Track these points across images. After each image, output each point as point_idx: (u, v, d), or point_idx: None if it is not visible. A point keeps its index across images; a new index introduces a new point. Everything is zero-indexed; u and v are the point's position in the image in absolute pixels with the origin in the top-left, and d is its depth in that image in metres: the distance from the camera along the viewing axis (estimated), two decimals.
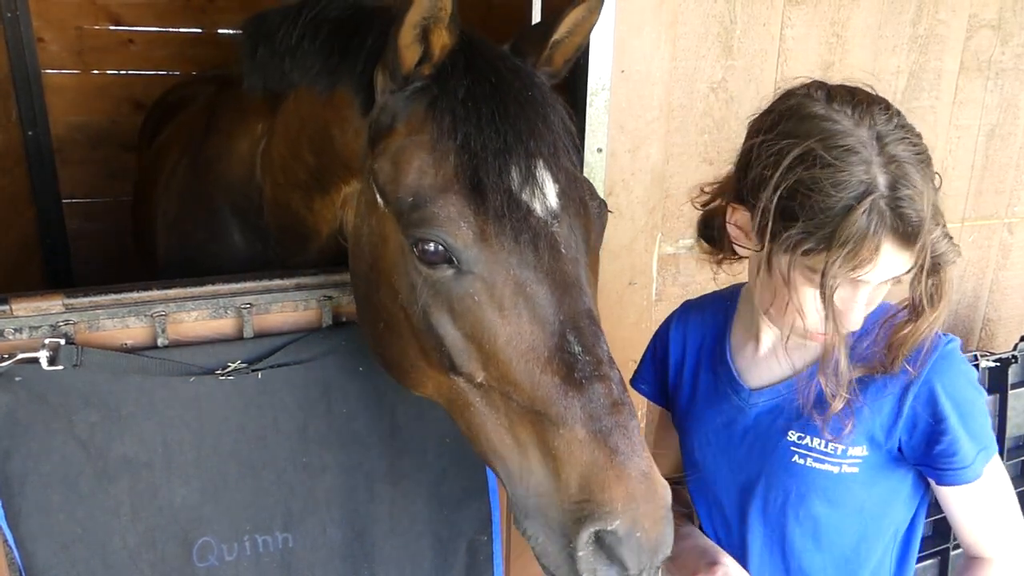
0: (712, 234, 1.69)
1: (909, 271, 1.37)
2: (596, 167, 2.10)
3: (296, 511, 1.81)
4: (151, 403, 1.65)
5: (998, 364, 2.62)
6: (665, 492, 1.29)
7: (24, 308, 1.59)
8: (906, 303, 1.48)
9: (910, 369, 1.46)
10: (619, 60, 2.07)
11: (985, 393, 1.62)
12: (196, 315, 1.73)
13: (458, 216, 1.34)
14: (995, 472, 1.52)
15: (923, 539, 2.64)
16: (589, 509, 1.24)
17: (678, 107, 2.24)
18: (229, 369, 1.69)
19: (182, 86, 3.76)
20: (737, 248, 1.58)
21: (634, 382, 1.93)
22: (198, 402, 1.68)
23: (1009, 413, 2.65)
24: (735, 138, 2.36)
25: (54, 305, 1.61)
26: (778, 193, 1.35)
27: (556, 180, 1.41)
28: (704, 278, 2.43)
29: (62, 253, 4.16)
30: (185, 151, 2.50)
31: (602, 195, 2.12)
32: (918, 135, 1.40)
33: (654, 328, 1.95)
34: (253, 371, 1.71)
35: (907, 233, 1.31)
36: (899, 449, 1.49)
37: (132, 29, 4.57)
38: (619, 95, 2.10)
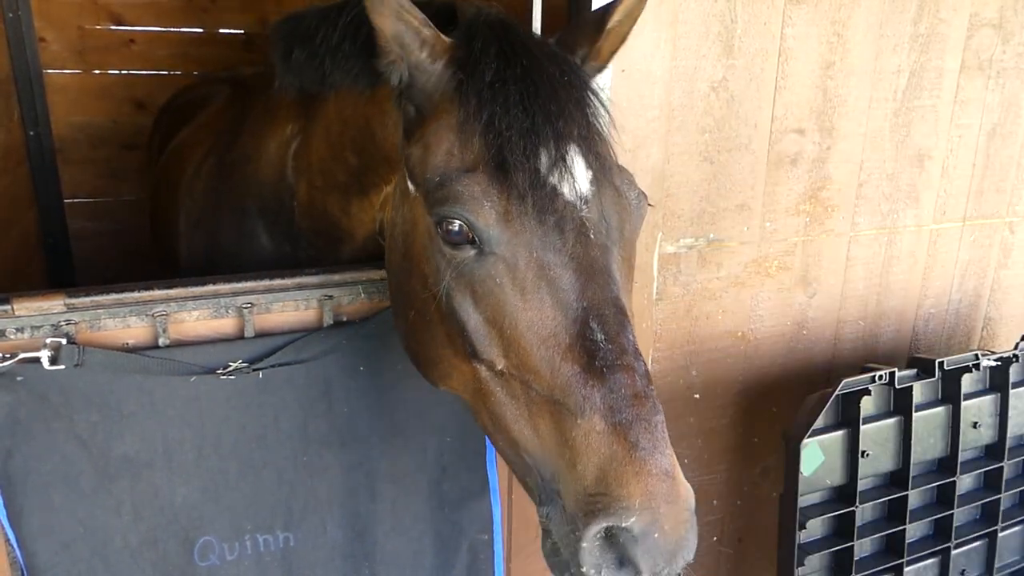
0: None
1: None
2: None
3: (297, 510, 1.81)
4: (152, 402, 1.65)
5: (999, 363, 2.61)
6: (688, 494, 1.24)
7: (26, 308, 1.59)
8: None
9: None
10: (619, 59, 2.06)
11: None
12: (197, 315, 1.73)
13: (482, 195, 1.33)
14: None
15: (923, 539, 2.65)
16: (604, 503, 1.19)
17: (678, 106, 2.23)
18: (230, 368, 1.70)
19: (190, 88, 3.77)
20: None
21: None
22: (199, 401, 1.68)
23: (1010, 412, 2.64)
24: (736, 137, 2.37)
25: (56, 305, 1.61)
26: None
27: (589, 165, 1.39)
28: (705, 277, 2.44)
29: (64, 253, 4.16)
30: (210, 152, 2.51)
31: None
32: None
33: (655, 327, 1.95)
34: (254, 370, 1.71)
35: None
36: None
37: (134, 29, 4.57)
38: (620, 94, 2.09)
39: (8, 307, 1.58)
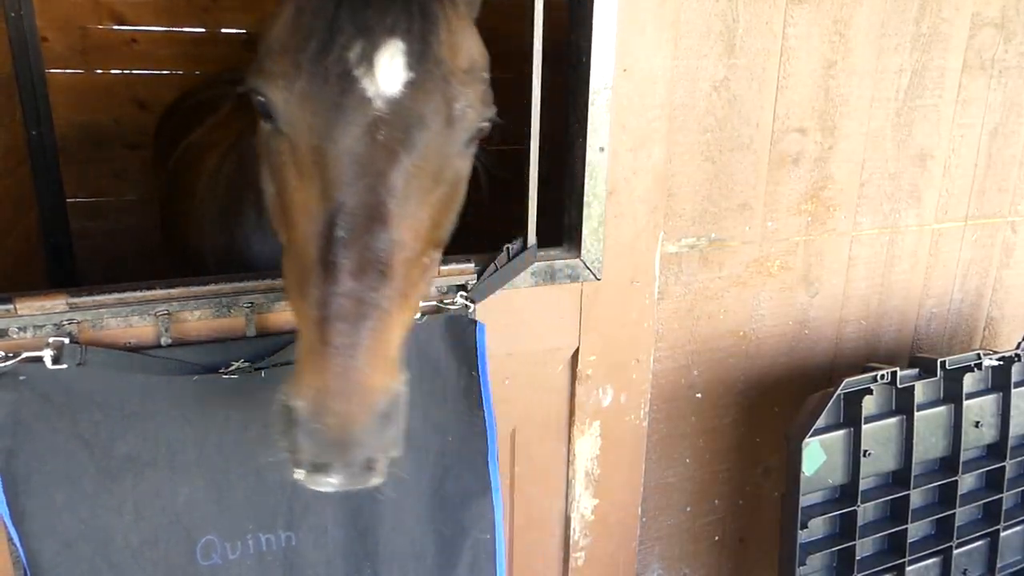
0: None
1: None
2: (598, 166, 2.10)
3: (299, 510, 1.81)
4: (154, 402, 1.66)
5: (1001, 363, 2.61)
6: (370, 397, 1.24)
7: (28, 307, 1.59)
8: None
9: None
10: (621, 59, 2.07)
11: None
12: (199, 314, 1.73)
13: (279, 74, 1.36)
14: None
15: (925, 538, 2.65)
16: (294, 384, 1.25)
17: (680, 106, 2.23)
18: (232, 368, 1.70)
19: (197, 90, 3.78)
20: None
21: None
22: (201, 401, 1.68)
23: (1012, 412, 2.64)
24: (737, 137, 2.37)
25: (58, 304, 1.62)
26: None
27: (406, 66, 1.35)
28: (706, 277, 2.44)
29: (66, 252, 4.16)
30: (231, 150, 2.51)
31: (604, 195, 2.13)
32: None
33: (656, 327, 1.95)
34: (256, 370, 1.71)
35: None
36: None
37: (136, 29, 4.58)
38: (621, 94, 2.09)
39: (11, 306, 1.58)
